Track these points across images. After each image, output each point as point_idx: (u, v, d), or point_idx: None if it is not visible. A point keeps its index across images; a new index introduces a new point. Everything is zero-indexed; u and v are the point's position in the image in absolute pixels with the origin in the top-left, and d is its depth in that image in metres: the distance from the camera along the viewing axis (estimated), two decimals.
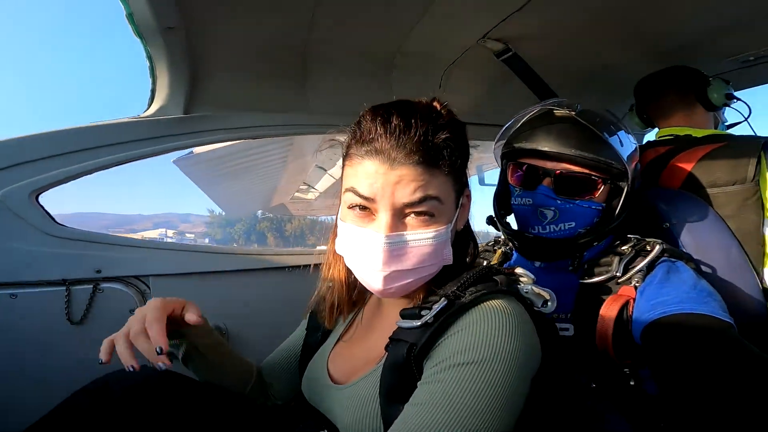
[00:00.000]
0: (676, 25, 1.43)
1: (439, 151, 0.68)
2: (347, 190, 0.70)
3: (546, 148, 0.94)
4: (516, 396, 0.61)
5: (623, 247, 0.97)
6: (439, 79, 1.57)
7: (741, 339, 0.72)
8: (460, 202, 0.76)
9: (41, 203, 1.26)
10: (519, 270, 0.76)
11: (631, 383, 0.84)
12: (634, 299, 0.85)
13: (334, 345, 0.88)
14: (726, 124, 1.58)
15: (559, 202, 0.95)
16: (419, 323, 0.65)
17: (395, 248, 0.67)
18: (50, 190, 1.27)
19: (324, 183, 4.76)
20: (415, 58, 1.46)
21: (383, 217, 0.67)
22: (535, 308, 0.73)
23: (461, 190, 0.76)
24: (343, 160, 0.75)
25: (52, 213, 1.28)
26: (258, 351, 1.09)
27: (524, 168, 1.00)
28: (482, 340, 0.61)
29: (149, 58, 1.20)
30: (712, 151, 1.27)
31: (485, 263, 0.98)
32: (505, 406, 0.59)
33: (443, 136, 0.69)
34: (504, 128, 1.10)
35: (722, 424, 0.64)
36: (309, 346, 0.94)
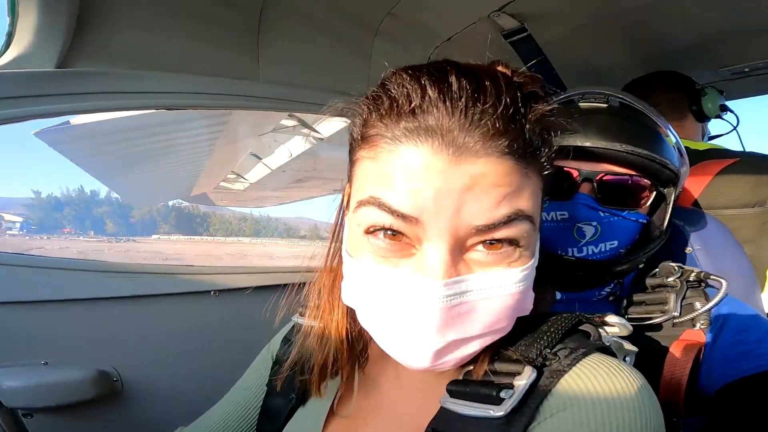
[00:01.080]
0: (670, 32, 1.39)
1: (537, 137, 0.41)
2: (364, 202, 0.41)
3: (588, 143, 0.71)
4: None
5: (669, 279, 0.78)
6: (426, 57, 1.27)
7: None
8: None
9: None
10: (613, 318, 0.50)
11: None
12: (704, 345, 0.72)
13: (326, 421, 0.56)
14: (709, 136, 1.55)
15: (602, 215, 0.74)
16: (501, 413, 0.39)
17: (458, 305, 0.39)
18: None
19: (257, 173, 4.12)
20: (406, 26, 1.16)
21: (437, 250, 0.39)
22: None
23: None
24: (354, 150, 0.45)
25: None
26: (171, 405, 0.91)
27: (555, 172, 0.74)
28: (604, 418, 0.38)
29: None
30: (726, 169, 1.18)
31: None
32: None
33: (541, 113, 0.42)
34: None
35: None
36: (270, 414, 0.62)
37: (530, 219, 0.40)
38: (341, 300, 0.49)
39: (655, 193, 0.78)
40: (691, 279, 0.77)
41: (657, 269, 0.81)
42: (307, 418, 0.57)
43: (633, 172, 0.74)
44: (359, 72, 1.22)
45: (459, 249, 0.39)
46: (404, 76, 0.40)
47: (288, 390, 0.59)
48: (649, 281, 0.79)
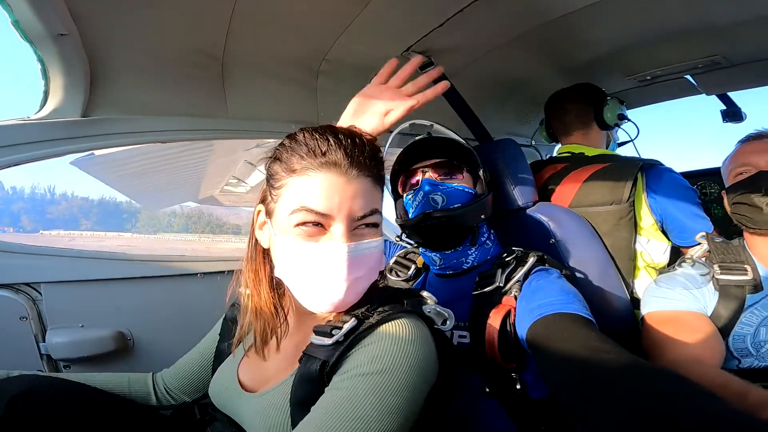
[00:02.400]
0: (582, 44, 1.53)
1: (381, 167, 0.78)
2: (297, 210, 0.70)
3: (418, 149, 1.13)
4: (409, 406, 0.66)
5: (507, 259, 1.05)
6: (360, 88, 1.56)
7: (593, 328, 0.80)
8: None
9: None
10: (425, 293, 0.84)
11: (518, 387, 0.92)
12: (515, 308, 0.93)
13: (245, 353, 0.89)
14: (617, 142, 1.74)
15: (441, 187, 1.07)
16: (331, 342, 0.70)
17: (355, 256, 0.71)
18: None
19: (255, 178, 4.70)
20: (340, 66, 1.44)
21: (339, 228, 0.70)
22: (435, 326, 0.80)
23: None
24: (279, 179, 0.74)
25: None
26: (165, 357, 1.08)
27: (409, 177, 1.15)
28: (383, 353, 0.67)
29: (40, 60, 1.07)
30: (596, 172, 1.39)
31: (413, 267, 1.20)
32: (397, 414, 0.64)
33: (379, 155, 0.78)
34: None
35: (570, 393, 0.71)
36: (221, 352, 0.96)
37: (380, 212, 0.75)
38: (266, 283, 0.81)
39: (470, 173, 1.13)
40: (526, 260, 1.02)
41: (505, 252, 1.07)
42: (237, 353, 0.91)
43: (445, 159, 1.11)
44: (308, 104, 1.53)
45: (350, 228, 0.71)
46: (314, 133, 0.73)
47: (230, 336, 0.93)
48: (496, 261, 1.06)
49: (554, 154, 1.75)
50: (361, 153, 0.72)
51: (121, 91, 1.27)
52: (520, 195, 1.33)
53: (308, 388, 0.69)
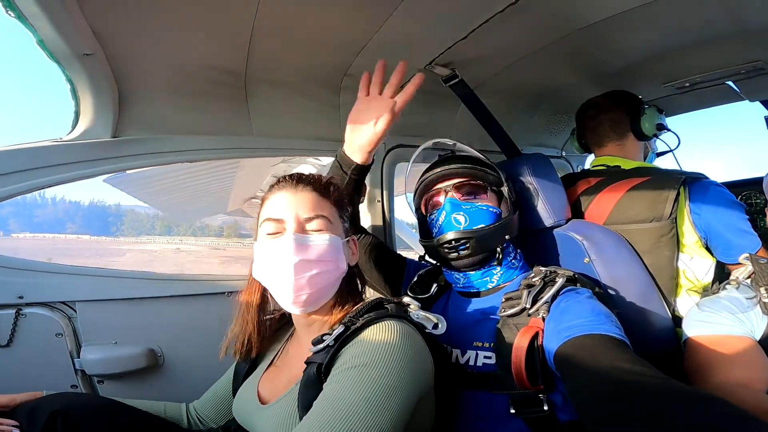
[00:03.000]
0: (616, 50, 1.48)
1: (327, 186, 0.95)
2: (263, 221, 0.90)
3: (440, 169, 1.13)
4: (396, 397, 0.72)
5: (533, 279, 1.02)
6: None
7: (626, 348, 0.78)
8: (348, 241, 0.96)
9: None
10: (406, 299, 0.92)
11: (545, 408, 0.89)
12: (543, 330, 0.91)
13: (265, 370, 1.00)
14: (656, 152, 1.64)
15: (464, 207, 1.09)
16: (323, 346, 0.81)
17: (300, 243, 0.86)
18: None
19: None
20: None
21: (291, 227, 0.87)
22: (426, 331, 0.86)
23: (348, 231, 0.98)
24: (259, 210, 0.96)
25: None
26: (195, 374, 1.15)
27: (431, 196, 1.16)
28: (368, 348, 0.75)
29: (69, 80, 1.10)
30: (634, 187, 1.31)
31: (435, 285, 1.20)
32: (384, 404, 0.70)
33: (327, 180, 0.97)
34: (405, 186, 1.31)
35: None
36: (238, 373, 1.07)
37: (328, 219, 0.90)
38: (256, 293, 0.99)
39: (494, 191, 1.13)
40: (555, 280, 0.99)
41: (533, 273, 1.05)
42: (258, 371, 1.01)
43: (469, 179, 1.11)
44: (331, 120, 1.54)
45: (301, 228, 0.88)
46: (277, 179, 0.95)
47: (247, 356, 1.03)
48: (522, 281, 1.03)
49: (586, 166, 1.68)
50: (307, 178, 0.94)
51: (149, 111, 1.30)
52: (551, 213, 1.28)
53: (311, 391, 0.78)
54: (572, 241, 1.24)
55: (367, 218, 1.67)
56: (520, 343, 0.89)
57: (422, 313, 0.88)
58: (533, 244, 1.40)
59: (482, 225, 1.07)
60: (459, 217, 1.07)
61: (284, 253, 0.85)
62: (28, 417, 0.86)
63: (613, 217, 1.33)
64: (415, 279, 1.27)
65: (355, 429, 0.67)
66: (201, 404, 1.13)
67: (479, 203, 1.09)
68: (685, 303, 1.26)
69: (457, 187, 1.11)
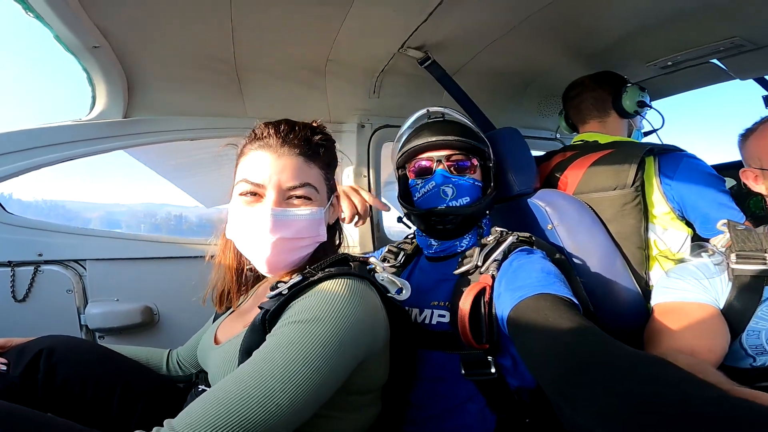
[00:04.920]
0: (591, 29, 1.49)
1: (316, 148, 0.87)
2: (239, 181, 0.85)
3: (433, 138, 1.12)
4: (338, 355, 0.70)
5: (488, 239, 1.07)
6: (372, 86, 1.66)
7: (576, 311, 0.78)
8: (331, 201, 0.93)
9: None
10: (372, 259, 0.90)
11: (492, 371, 0.90)
12: (491, 286, 0.93)
13: (227, 316, 1.02)
14: (642, 131, 1.64)
15: (454, 179, 1.10)
16: (275, 293, 0.80)
17: (280, 219, 0.82)
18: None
19: None
20: (344, 66, 1.55)
21: (270, 195, 0.82)
22: (387, 294, 0.85)
23: (332, 190, 0.94)
24: (237, 159, 0.91)
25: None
26: (187, 331, 1.21)
27: (421, 162, 1.15)
28: (315, 304, 0.73)
29: (85, 69, 1.30)
30: (601, 158, 1.34)
31: (402, 254, 1.22)
32: (323, 360, 0.68)
33: (318, 139, 0.89)
34: (394, 143, 1.27)
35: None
36: (215, 320, 1.09)
37: (314, 187, 0.85)
38: (231, 249, 0.95)
39: (481, 164, 1.14)
40: (504, 239, 1.05)
41: (490, 234, 1.10)
42: (224, 316, 1.04)
43: (461, 152, 1.12)
44: (320, 102, 1.67)
45: (282, 197, 0.83)
46: (261, 125, 0.88)
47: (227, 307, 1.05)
48: (481, 241, 1.09)
49: None
50: (295, 136, 0.85)
51: (154, 95, 1.49)
52: (519, 182, 1.32)
53: (254, 336, 0.77)
54: (537, 208, 1.29)
55: None
56: (465, 298, 0.91)
57: (388, 275, 0.87)
58: (503, 212, 1.44)
59: (467, 198, 1.09)
60: (447, 189, 1.08)
61: (260, 228, 0.82)
62: (17, 355, 0.94)
63: (580, 186, 1.36)
64: (386, 249, 1.32)
65: (284, 386, 0.65)
66: (183, 351, 1.17)
67: (468, 176, 1.11)
68: (659, 275, 1.26)
69: (448, 158, 1.11)
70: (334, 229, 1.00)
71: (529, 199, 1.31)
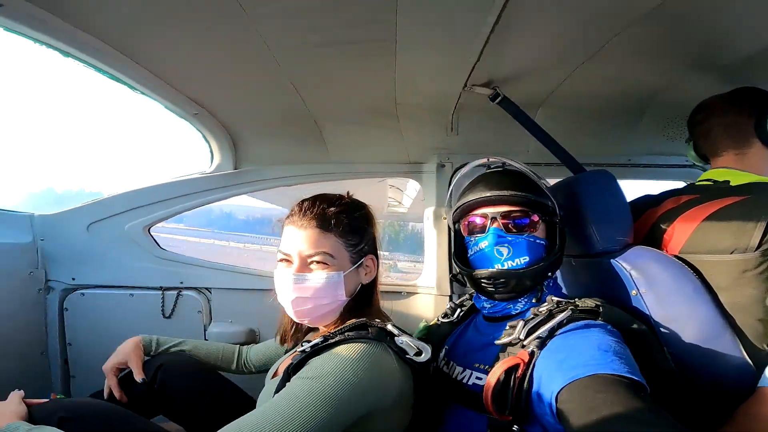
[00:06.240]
0: (732, 33, 1.12)
1: (329, 222, 1.01)
2: (278, 251, 1.06)
3: (487, 193, 1.06)
4: (334, 409, 0.81)
5: (540, 310, 0.96)
6: (449, 123, 1.60)
7: (635, 390, 0.72)
8: (362, 263, 1.07)
9: (152, 234, 1.83)
10: (389, 326, 0.98)
11: None
12: (526, 363, 0.86)
13: (292, 353, 1.15)
14: None
15: (509, 238, 1.03)
16: (301, 350, 0.94)
17: (298, 282, 1.01)
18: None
19: (407, 200, 5.48)
20: (414, 108, 1.53)
21: (296, 263, 1.02)
22: (406, 356, 0.94)
23: (361, 252, 1.06)
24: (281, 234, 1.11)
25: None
26: None
27: (475, 219, 1.09)
28: (323, 364, 0.86)
29: (198, 131, 1.62)
30: (724, 208, 1.03)
31: (459, 310, 1.24)
32: (319, 411, 0.80)
33: (334, 210, 1.03)
34: (449, 194, 1.25)
35: None
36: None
37: (329, 254, 1.01)
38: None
39: (545, 222, 1.06)
40: (557, 314, 0.93)
41: (546, 302, 1.00)
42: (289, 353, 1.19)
43: (519, 208, 1.04)
44: (397, 142, 1.71)
45: (304, 263, 1.02)
46: (296, 204, 1.06)
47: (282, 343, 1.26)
48: (532, 310, 0.99)
49: None
50: (311, 211, 1.02)
51: (254, 148, 1.76)
52: (602, 237, 1.13)
53: (282, 383, 0.91)
54: (621, 271, 1.08)
55: (432, 233, 1.76)
56: (495, 371, 0.88)
57: (406, 339, 0.95)
58: (582, 271, 1.25)
59: (526, 258, 1.02)
60: (502, 249, 1.02)
61: (285, 287, 1.02)
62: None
63: (688, 245, 1.07)
64: (450, 305, 1.29)
65: (281, 429, 0.78)
66: (252, 353, 1.39)
67: (526, 234, 1.03)
68: None
69: (504, 216, 1.04)
70: (370, 289, 1.11)
71: (612, 260, 1.10)
